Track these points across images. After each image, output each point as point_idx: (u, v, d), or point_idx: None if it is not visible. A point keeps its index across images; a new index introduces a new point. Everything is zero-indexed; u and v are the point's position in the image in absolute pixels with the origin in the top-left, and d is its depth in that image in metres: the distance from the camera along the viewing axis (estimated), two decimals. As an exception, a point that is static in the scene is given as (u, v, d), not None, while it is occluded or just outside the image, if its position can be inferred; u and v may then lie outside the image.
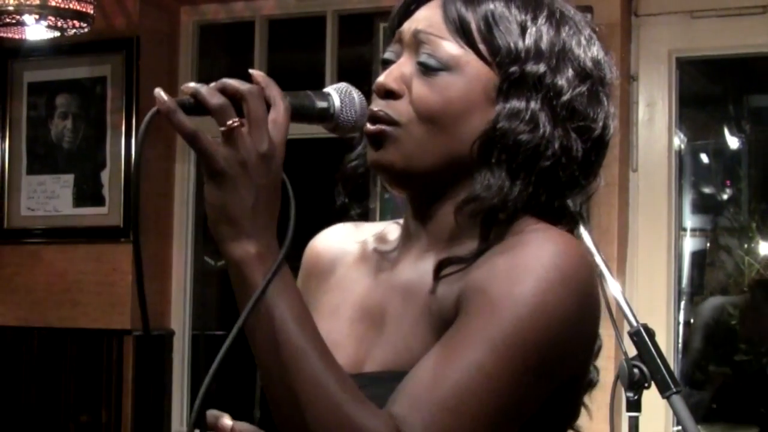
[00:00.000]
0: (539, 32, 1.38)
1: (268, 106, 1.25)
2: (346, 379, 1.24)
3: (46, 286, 4.33)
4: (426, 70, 1.37)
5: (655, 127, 3.72)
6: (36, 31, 3.57)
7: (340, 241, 1.57)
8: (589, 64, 1.40)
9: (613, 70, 1.44)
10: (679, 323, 3.84)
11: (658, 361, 2.08)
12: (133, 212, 1.25)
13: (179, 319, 4.48)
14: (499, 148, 1.35)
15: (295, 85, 1.37)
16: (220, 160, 1.21)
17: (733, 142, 5.18)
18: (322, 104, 1.34)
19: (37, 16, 3.42)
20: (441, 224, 1.41)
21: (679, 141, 3.85)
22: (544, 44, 1.38)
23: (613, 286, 2.26)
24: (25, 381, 4.40)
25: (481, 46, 1.37)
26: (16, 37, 3.65)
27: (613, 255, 3.54)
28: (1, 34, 3.62)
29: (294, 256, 1.32)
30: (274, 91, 1.26)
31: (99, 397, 4.24)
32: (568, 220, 1.40)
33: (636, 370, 2.09)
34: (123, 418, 4.23)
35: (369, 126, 1.38)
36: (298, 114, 1.30)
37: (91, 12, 3.52)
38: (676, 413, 2.04)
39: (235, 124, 1.21)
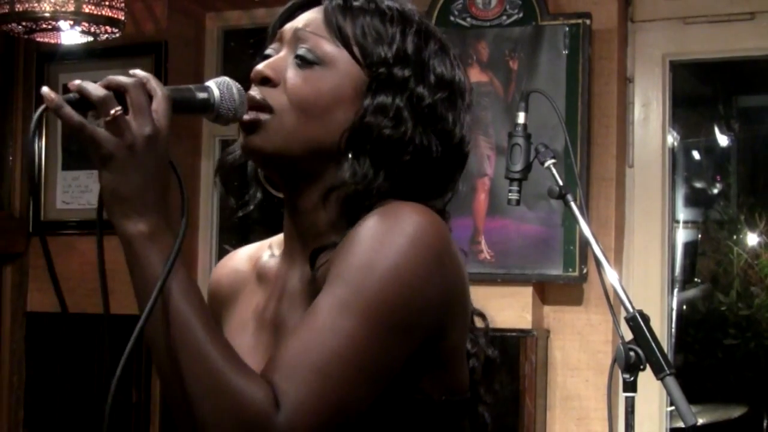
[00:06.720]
0: (407, 43, 1.42)
1: (151, 98, 1.27)
2: (228, 349, 1.26)
3: (81, 274, 4.32)
4: (302, 63, 1.40)
5: (649, 126, 3.72)
6: (70, 36, 3.57)
7: (237, 265, 1.60)
8: (449, 77, 1.44)
9: (471, 96, 1.48)
10: (672, 309, 3.85)
11: (653, 344, 2.09)
12: (33, 200, 1.26)
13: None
14: (365, 140, 1.38)
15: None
16: (108, 146, 1.23)
17: (722, 140, 5.19)
18: (202, 95, 1.34)
19: (71, 22, 3.41)
20: (311, 219, 1.43)
21: (672, 139, 3.85)
22: (410, 53, 1.41)
23: (610, 275, 2.27)
24: (60, 363, 4.41)
25: (355, 49, 1.40)
26: (52, 41, 3.65)
27: (610, 246, 3.55)
28: (38, 39, 3.62)
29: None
30: (154, 84, 1.28)
31: (129, 378, 4.26)
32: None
33: (632, 353, 2.10)
34: (152, 399, 4.25)
35: (245, 116, 1.39)
36: (181, 106, 1.32)
37: (122, 18, 3.52)
38: (669, 394, 2.06)
39: (119, 112, 1.23)
